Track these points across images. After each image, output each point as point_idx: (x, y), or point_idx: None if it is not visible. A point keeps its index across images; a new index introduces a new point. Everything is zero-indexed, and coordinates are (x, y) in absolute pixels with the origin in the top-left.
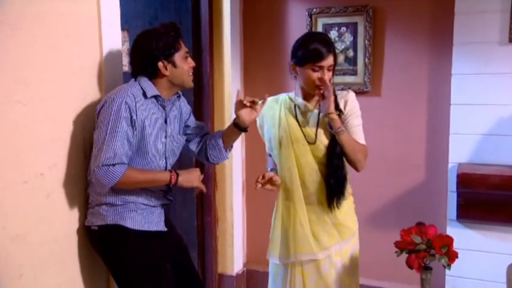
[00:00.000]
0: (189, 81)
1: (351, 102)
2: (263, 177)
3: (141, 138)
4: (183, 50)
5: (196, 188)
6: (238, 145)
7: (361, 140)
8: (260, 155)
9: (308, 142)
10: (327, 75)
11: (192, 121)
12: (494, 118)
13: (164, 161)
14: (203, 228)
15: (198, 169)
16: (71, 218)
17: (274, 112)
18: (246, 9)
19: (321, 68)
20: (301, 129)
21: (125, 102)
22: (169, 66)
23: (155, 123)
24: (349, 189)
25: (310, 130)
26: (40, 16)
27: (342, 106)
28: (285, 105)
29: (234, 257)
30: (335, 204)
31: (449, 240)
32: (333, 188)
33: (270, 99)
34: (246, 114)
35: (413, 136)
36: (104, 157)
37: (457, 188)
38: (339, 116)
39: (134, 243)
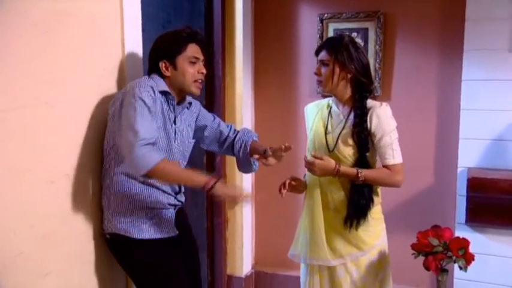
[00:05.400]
0: (189, 87)
1: (377, 118)
2: (284, 185)
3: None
4: (190, 54)
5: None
6: None
7: (393, 159)
8: None
9: (328, 150)
10: (318, 69)
11: (210, 123)
12: (503, 123)
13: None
14: (213, 230)
15: (239, 188)
16: (93, 219)
17: (313, 116)
18: (258, 13)
19: (319, 61)
20: (325, 136)
21: (148, 91)
22: (170, 68)
23: (165, 120)
24: (377, 199)
25: (333, 138)
26: (66, 19)
27: (368, 122)
28: (322, 111)
29: (243, 259)
30: (354, 226)
31: (465, 243)
32: (352, 213)
33: (314, 103)
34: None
35: (423, 140)
36: (140, 136)
37: (467, 192)
38: (366, 133)
39: (141, 253)
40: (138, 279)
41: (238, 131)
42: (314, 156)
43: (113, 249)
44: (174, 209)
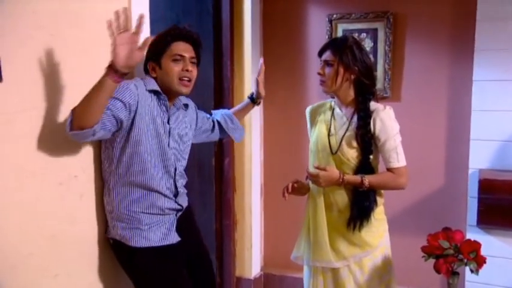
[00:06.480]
0: (175, 86)
1: (381, 122)
2: (287, 188)
3: (137, 137)
4: (174, 51)
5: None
6: (257, 148)
7: (397, 162)
8: (278, 158)
9: (331, 152)
10: (322, 69)
11: (204, 122)
12: None
13: (174, 166)
14: (222, 232)
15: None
16: (100, 222)
17: (315, 117)
18: (267, 14)
19: (322, 61)
20: (328, 138)
21: (130, 88)
22: (156, 68)
23: (155, 120)
24: (380, 200)
25: (336, 140)
26: (74, 20)
27: (372, 125)
28: (324, 112)
29: (252, 261)
30: (357, 228)
31: (477, 246)
32: (355, 215)
33: (316, 104)
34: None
35: (434, 142)
36: None
37: (478, 194)
38: (370, 136)
39: (141, 261)
40: (140, 286)
41: (215, 114)
42: (318, 168)
43: (115, 254)
44: (176, 215)
